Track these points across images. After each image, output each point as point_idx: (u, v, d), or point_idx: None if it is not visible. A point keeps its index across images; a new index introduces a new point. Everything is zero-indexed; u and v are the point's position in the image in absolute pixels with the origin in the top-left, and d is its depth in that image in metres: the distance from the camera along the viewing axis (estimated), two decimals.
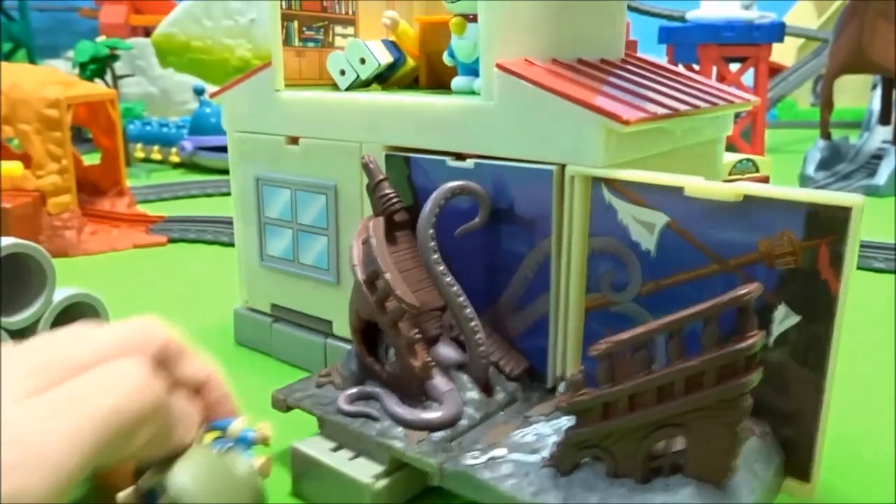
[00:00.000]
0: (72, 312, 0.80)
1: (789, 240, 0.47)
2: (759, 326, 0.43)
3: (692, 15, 2.36)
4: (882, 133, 2.08)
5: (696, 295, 0.48)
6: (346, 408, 0.55)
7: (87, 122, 1.53)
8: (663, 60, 0.96)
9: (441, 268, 0.56)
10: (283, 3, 0.75)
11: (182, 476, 0.38)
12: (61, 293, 0.78)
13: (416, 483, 0.54)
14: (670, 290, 0.53)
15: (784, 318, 0.49)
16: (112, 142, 1.49)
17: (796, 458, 0.50)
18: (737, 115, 1.98)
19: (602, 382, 0.45)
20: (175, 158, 2.26)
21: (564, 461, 0.47)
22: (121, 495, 0.40)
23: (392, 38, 0.77)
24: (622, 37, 0.72)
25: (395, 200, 0.62)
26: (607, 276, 0.56)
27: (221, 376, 0.43)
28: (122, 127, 1.55)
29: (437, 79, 0.76)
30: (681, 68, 0.84)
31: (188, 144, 2.19)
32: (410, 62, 0.77)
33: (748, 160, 0.91)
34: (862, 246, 1.23)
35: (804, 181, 1.94)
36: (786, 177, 1.93)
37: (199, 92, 2.28)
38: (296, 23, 0.77)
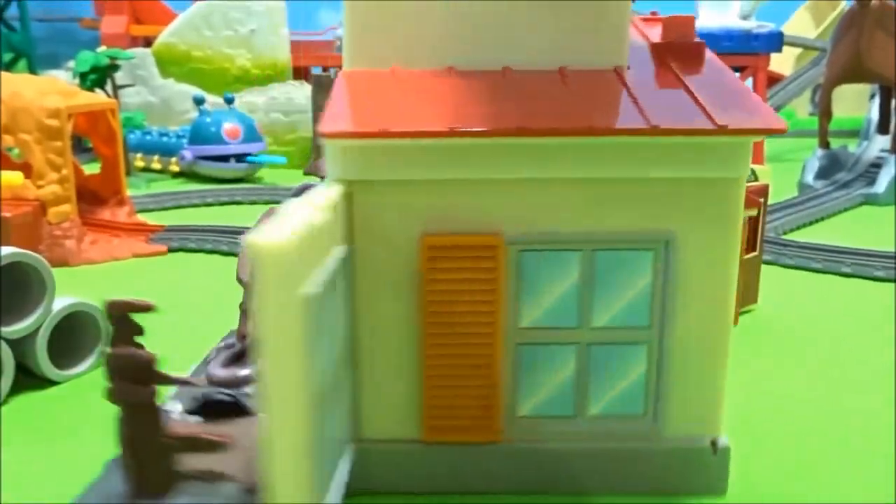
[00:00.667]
0: (71, 322, 0.80)
1: None
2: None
3: None
4: (881, 142, 2.08)
5: None
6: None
7: (88, 131, 1.53)
8: None
9: None
10: None
11: None
12: (61, 302, 0.78)
13: None
14: None
15: None
16: (112, 151, 1.49)
17: None
18: None
19: None
20: (175, 168, 2.26)
21: None
22: None
23: None
24: (608, 43, 0.58)
25: None
26: None
27: None
28: (123, 136, 1.55)
29: None
30: None
31: (188, 154, 2.19)
32: None
33: None
34: (862, 254, 1.24)
35: (803, 189, 1.94)
36: (785, 185, 1.93)
37: (199, 102, 2.28)
38: None
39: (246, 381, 0.58)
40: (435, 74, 0.56)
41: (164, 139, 2.37)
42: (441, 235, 0.52)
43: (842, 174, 2.02)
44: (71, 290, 0.83)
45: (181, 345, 0.73)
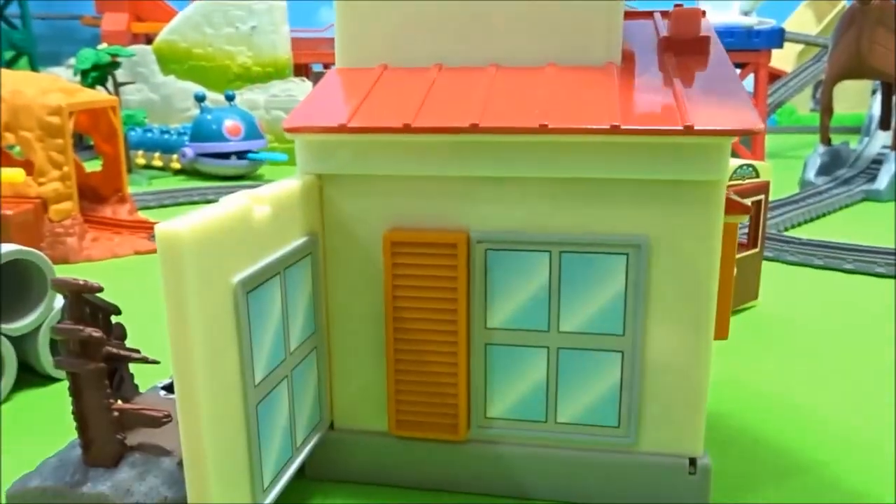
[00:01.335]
0: None
1: None
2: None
3: None
4: (882, 138, 2.08)
5: None
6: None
7: (89, 129, 1.53)
8: None
9: None
10: None
11: None
12: (62, 300, 0.78)
13: None
14: None
15: None
16: (113, 148, 1.49)
17: None
18: None
19: None
20: (176, 165, 2.26)
21: None
22: None
23: None
24: (597, 38, 0.56)
25: None
26: None
27: None
28: (124, 134, 1.56)
29: None
30: None
31: (189, 151, 2.19)
32: None
33: (749, 166, 0.91)
34: (863, 251, 1.24)
35: (804, 186, 1.94)
36: (786, 182, 1.93)
37: (200, 99, 2.28)
38: None
39: None
40: (419, 71, 0.55)
41: (166, 136, 2.37)
42: (404, 231, 0.52)
43: (843, 171, 2.02)
44: None
45: None
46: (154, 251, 0.39)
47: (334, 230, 0.54)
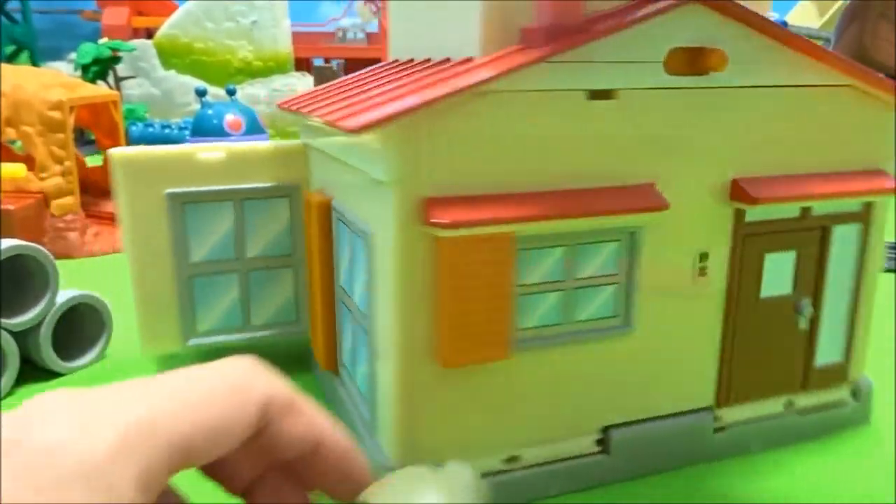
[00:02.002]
0: (75, 314, 0.81)
1: None
2: None
3: None
4: None
5: None
6: None
7: (90, 123, 1.53)
8: None
9: None
10: None
11: None
12: (64, 295, 0.78)
13: None
14: None
15: None
16: (115, 143, 1.49)
17: None
18: None
19: None
20: None
21: None
22: None
23: None
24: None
25: None
26: None
27: (339, 430, 0.29)
28: (125, 128, 1.56)
29: None
30: None
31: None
32: None
33: None
34: None
35: None
36: None
37: (201, 93, 2.28)
38: None
39: None
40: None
41: (167, 131, 2.37)
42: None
43: None
44: (74, 283, 0.84)
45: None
46: None
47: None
